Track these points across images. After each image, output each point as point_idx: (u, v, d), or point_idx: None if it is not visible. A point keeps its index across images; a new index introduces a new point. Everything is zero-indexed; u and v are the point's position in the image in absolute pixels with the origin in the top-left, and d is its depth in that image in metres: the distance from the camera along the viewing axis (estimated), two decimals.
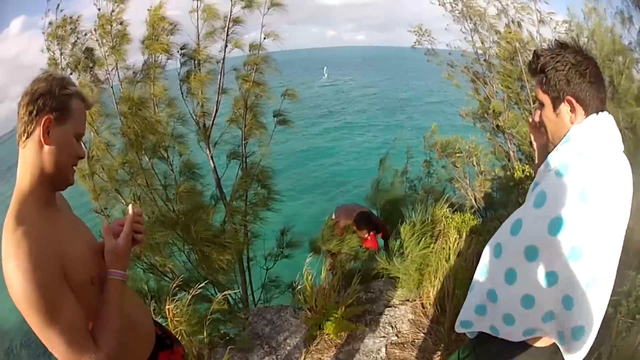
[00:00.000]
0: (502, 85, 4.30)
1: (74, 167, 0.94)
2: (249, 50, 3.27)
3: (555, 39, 0.96)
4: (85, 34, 4.92)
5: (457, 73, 4.82)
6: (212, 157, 3.47)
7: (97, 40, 4.80)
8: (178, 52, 3.57)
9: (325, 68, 46.18)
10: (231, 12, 3.25)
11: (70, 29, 5.14)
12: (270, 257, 3.62)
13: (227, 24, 3.27)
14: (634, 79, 4.52)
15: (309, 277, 2.76)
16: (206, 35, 3.40)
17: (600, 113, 0.87)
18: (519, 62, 4.17)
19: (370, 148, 14.50)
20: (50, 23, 5.01)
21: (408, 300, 2.94)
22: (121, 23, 4.67)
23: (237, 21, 3.26)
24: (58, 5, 5.17)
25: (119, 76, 4.54)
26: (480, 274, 1.00)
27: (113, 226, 1.01)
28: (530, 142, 1.20)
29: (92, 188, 4.42)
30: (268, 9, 3.10)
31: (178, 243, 3.89)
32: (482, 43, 4.50)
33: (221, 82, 3.39)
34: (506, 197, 3.79)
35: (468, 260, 2.75)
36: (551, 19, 4.24)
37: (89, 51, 4.89)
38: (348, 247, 3.12)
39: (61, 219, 0.92)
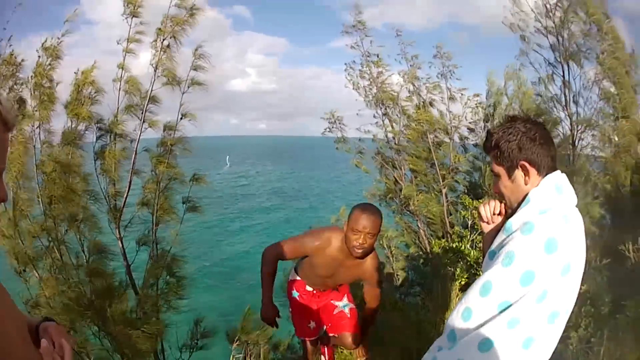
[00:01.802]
0: (411, 166, 4.35)
1: None
2: (164, 131, 3.13)
3: (506, 114, 1.04)
4: (22, 83, 4.68)
5: (367, 159, 4.74)
6: (121, 240, 3.21)
7: (30, 89, 4.57)
8: (95, 123, 3.39)
9: (227, 157, 46.29)
10: (151, 88, 3.14)
11: (11, 71, 4.88)
12: (185, 348, 3.30)
13: (145, 102, 3.14)
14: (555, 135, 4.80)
15: None
16: (125, 108, 3.26)
17: (553, 172, 0.96)
18: (428, 143, 4.30)
19: (277, 238, 14.26)
20: None
21: None
22: (51, 80, 4.49)
23: (154, 100, 3.15)
24: (10, 37, 4.93)
25: (40, 137, 4.29)
26: (447, 342, 0.99)
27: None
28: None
29: (11, 248, 4.01)
30: (188, 87, 3.01)
31: (92, 327, 3.52)
32: (392, 127, 4.56)
33: (134, 161, 3.21)
34: (420, 274, 3.75)
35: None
36: (462, 94, 4.44)
37: (21, 102, 4.63)
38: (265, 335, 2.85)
39: None
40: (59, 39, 4.53)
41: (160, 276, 3.05)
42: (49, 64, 4.45)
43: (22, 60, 4.68)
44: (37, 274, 3.90)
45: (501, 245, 0.98)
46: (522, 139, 0.96)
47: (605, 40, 4.40)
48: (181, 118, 3.03)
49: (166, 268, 3.03)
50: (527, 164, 0.96)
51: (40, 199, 3.87)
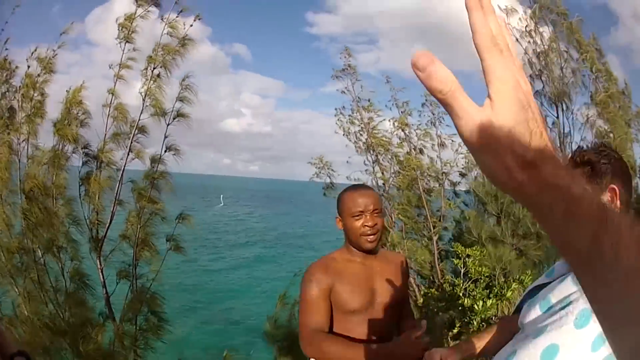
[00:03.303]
0: (400, 215, 4.24)
1: None
2: (150, 164, 3.07)
3: (596, 140, 0.97)
4: (15, 90, 4.61)
5: None
6: (102, 271, 3.13)
7: (18, 100, 4.49)
8: (82, 148, 3.32)
9: (222, 196, 45.66)
10: (140, 117, 3.08)
11: (5, 76, 4.80)
12: None
13: (132, 131, 3.08)
14: None
15: None
16: (113, 136, 3.19)
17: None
18: (418, 190, 4.24)
19: (267, 281, 13.80)
20: None
21: None
22: (42, 94, 4.41)
23: (142, 130, 3.09)
24: (7, 40, 4.85)
25: (27, 152, 4.21)
26: None
27: None
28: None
29: None
30: (173, 119, 2.95)
31: (66, 353, 3.44)
32: (383, 174, 4.44)
33: (118, 191, 3.14)
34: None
35: None
36: (453, 141, 4.43)
37: (11, 111, 4.55)
38: None
39: None
40: (53, 50, 4.47)
41: (139, 312, 2.98)
42: (39, 76, 4.38)
43: (17, 67, 4.61)
44: (16, 289, 3.81)
45: (568, 300, 0.83)
46: (615, 165, 0.92)
47: (598, 78, 4.43)
48: (165, 151, 2.97)
49: (147, 305, 2.96)
50: (617, 189, 0.90)
51: (21, 217, 3.80)
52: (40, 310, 3.56)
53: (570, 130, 4.48)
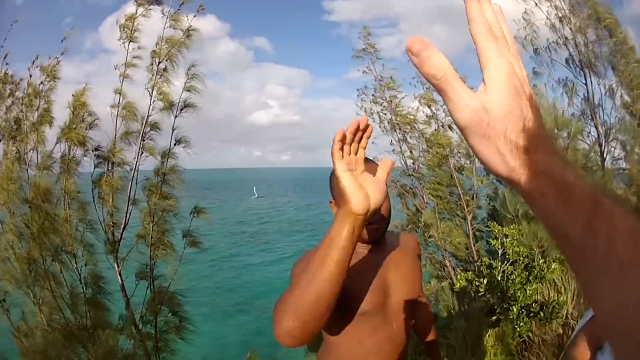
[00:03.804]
0: (432, 196, 3.97)
1: None
2: (160, 158, 2.97)
3: None
4: (21, 103, 4.61)
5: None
6: (120, 273, 3.04)
7: (21, 111, 4.49)
8: (93, 151, 3.24)
9: (255, 188, 46.49)
10: (149, 113, 3.00)
11: (10, 89, 4.81)
12: None
13: (142, 127, 2.99)
14: (579, 148, 4.62)
15: None
16: (123, 135, 3.11)
17: None
18: (448, 168, 3.98)
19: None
20: None
21: None
22: (47, 101, 4.39)
23: (154, 126, 3.00)
24: (6, 55, 4.86)
25: (36, 160, 4.17)
26: None
27: None
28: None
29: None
30: (181, 110, 2.85)
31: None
32: (411, 152, 4.20)
33: (132, 191, 3.05)
34: (447, 309, 3.53)
35: None
36: None
37: (18, 122, 4.53)
38: None
39: None
40: (57, 58, 4.45)
41: (159, 313, 2.87)
42: (41, 84, 4.37)
43: (21, 79, 4.61)
44: (31, 297, 3.77)
45: None
46: None
47: (618, 45, 4.26)
48: (175, 144, 2.86)
49: (167, 305, 2.86)
50: None
51: (29, 226, 3.75)
52: (52, 317, 3.49)
53: (600, 99, 4.30)
